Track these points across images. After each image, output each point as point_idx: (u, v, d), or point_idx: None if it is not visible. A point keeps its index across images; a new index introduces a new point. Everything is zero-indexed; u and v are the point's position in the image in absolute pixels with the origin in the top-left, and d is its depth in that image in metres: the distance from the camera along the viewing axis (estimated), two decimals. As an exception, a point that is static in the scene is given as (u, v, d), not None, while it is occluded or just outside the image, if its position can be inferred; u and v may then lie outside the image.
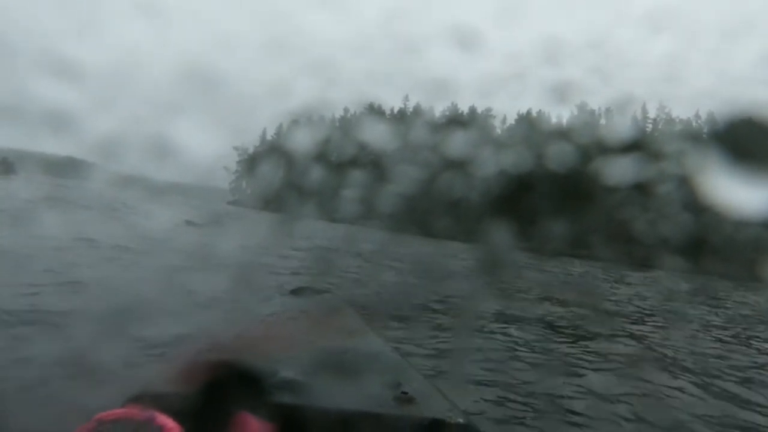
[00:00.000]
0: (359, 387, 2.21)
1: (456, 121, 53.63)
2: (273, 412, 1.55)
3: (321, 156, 48.67)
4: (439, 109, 58.13)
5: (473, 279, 16.28)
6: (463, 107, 57.84)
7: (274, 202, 46.56)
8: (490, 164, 42.87)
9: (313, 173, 44.81)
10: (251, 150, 65.82)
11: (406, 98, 60.53)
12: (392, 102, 61.52)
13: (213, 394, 1.48)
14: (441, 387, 2.51)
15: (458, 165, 42.42)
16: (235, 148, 65.48)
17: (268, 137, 65.68)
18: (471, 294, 12.02)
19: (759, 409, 5.46)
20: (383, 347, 3.05)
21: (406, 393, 2.12)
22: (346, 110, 62.08)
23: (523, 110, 56.94)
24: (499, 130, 56.22)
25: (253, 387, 1.57)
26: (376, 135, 48.24)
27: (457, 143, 44.56)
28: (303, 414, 1.83)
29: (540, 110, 56.08)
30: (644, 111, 53.31)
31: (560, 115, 55.20)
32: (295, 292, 4.82)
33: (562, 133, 51.43)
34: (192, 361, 1.66)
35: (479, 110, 56.88)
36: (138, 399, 1.72)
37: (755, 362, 7.96)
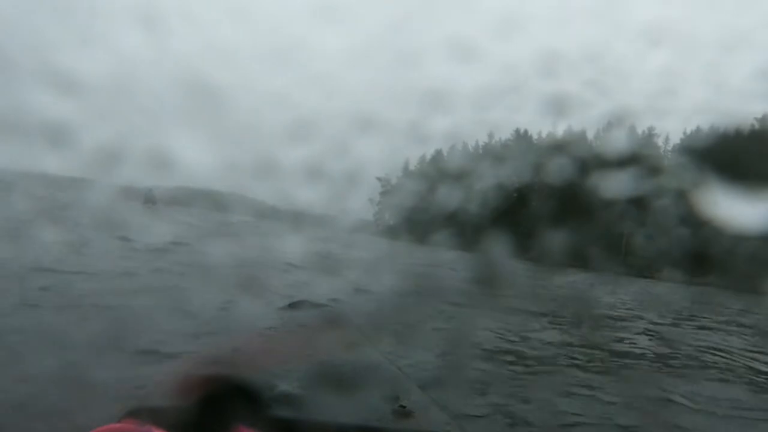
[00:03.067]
0: (358, 400, 2.20)
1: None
2: (271, 426, 1.54)
3: (466, 184, 46.22)
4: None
5: (474, 291, 16.25)
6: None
7: (418, 232, 44.91)
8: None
9: (457, 202, 42.84)
10: (394, 181, 64.85)
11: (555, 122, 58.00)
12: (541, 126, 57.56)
13: (210, 407, 1.47)
14: (439, 400, 2.50)
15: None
16: (378, 179, 63.99)
17: (411, 167, 64.50)
18: (470, 305, 11.98)
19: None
20: (382, 361, 3.05)
21: (404, 407, 2.11)
22: (490, 136, 60.18)
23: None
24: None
25: (251, 401, 1.56)
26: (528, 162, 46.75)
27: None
28: (301, 428, 1.82)
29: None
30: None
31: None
32: (294, 305, 4.81)
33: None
34: (189, 375, 1.65)
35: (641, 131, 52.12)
36: (135, 413, 1.71)
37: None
